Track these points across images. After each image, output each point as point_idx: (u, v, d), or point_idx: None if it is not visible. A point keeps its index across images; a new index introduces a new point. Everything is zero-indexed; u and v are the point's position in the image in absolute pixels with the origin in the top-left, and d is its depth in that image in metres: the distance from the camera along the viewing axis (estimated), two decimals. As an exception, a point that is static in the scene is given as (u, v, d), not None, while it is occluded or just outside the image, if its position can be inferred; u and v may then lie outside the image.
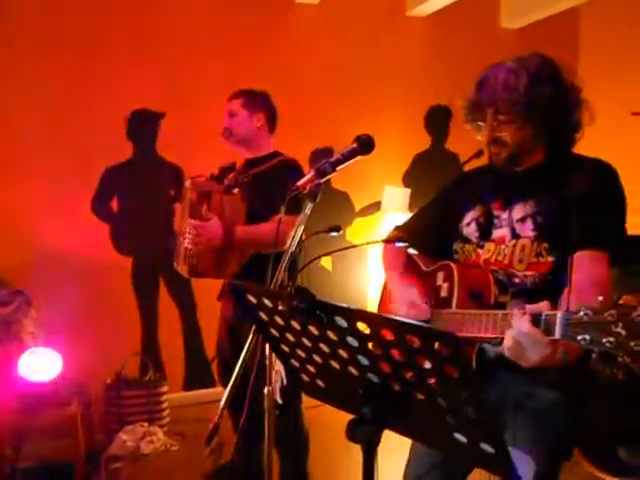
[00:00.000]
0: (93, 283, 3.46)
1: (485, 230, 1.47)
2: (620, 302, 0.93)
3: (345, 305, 0.90)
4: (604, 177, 1.36)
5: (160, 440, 3.13)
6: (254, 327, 1.29)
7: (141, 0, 3.60)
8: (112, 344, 3.38)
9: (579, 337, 0.99)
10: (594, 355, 0.97)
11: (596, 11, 4.51)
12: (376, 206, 4.20)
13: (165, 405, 3.40)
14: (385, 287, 1.68)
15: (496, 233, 1.45)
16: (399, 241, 1.60)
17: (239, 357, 1.37)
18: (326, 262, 4.11)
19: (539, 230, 1.36)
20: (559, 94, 1.36)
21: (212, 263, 2.28)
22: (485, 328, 1.23)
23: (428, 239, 1.63)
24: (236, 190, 2.30)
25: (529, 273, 1.36)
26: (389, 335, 0.86)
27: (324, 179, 1.37)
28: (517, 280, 1.38)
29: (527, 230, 1.38)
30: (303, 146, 3.84)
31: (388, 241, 1.64)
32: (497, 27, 4.48)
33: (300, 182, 1.38)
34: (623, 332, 0.92)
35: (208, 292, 2.48)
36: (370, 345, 0.91)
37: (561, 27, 4.61)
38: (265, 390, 1.45)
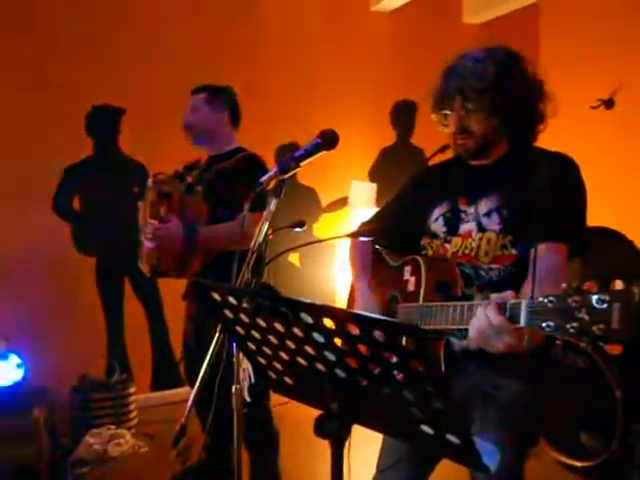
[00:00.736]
0: (56, 284, 3.38)
1: (452, 225, 1.49)
2: (583, 288, 0.94)
3: (309, 301, 0.89)
4: (566, 170, 1.38)
5: (128, 442, 3.08)
6: (220, 325, 1.28)
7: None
8: (77, 346, 3.31)
9: (544, 324, 1.01)
10: (557, 343, 0.99)
11: (556, 7, 4.61)
12: (343, 201, 4.21)
13: (132, 407, 3.34)
14: (352, 285, 1.69)
15: (463, 227, 1.46)
16: (364, 235, 1.60)
17: (205, 356, 1.35)
18: (294, 258, 4.10)
19: (504, 223, 1.38)
20: (524, 85, 1.39)
21: (173, 263, 2.24)
22: (452, 320, 1.24)
23: (395, 235, 1.64)
24: (198, 188, 2.26)
25: (494, 266, 1.39)
26: (355, 330, 0.86)
27: (288, 175, 1.36)
28: (483, 273, 1.40)
29: (493, 224, 1.40)
30: (268, 142, 3.82)
31: (353, 235, 1.64)
32: (459, 22, 4.53)
33: (263, 178, 1.36)
34: (586, 317, 0.93)
35: (175, 291, 2.45)
36: (336, 341, 0.91)
37: (522, 22, 4.70)
38: (233, 389, 1.44)
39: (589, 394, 2.51)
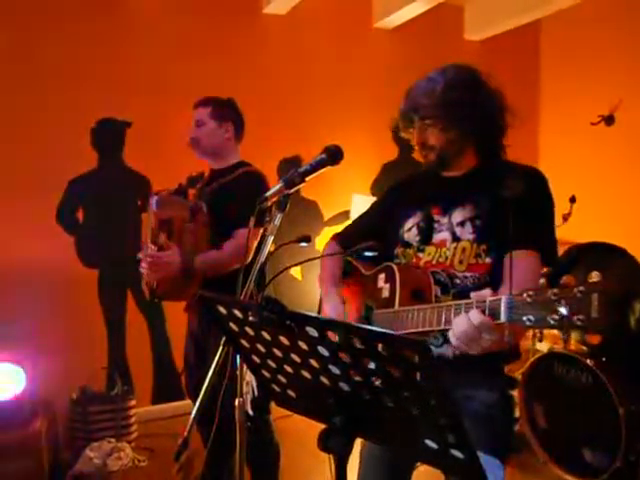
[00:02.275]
0: (58, 296, 3.38)
1: (426, 234, 1.52)
2: (561, 282, 0.96)
3: (315, 315, 0.90)
4: (536, 182, 1.43)
5: (128, 456, 3.06)
6: (224, 338, 1.28)
7: (108, 9, 3.55)
8: (78, 358, 3.31)
9: (524, 318, 1.02)
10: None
11: (556, 24, 4.66)
12: (344, 215, 4.22)
13: (133, 420, 3.33)
14: (320, 301, 1.70)
15: (437, 237, 1.49)
16: (368, 250, 1.60)
17: (205, 369, 1.35)
18: (295, 271, 4.11)
19: (478, 232, 1.42)
20: (477, 99, 1.44)
21: (172, 289, 2.24)
22: (429, 321, 1.25)
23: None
24: (200, 215, 2.24)
25: (469, 274, 1.42)
26: (359, 344, 0.87)
27: (293, 190, 1.38)
28: (458, 281, 1.43)
29: (467, 233, 1.44)
30: (271, 156, 3.85)
31: (357, 252, 1.64)
32: (461, 39, 4.58)
33: (269, 193, 1.38)
34: (566, 308, 0.95)
35: (177, 304, 2.45)
36: (341, 354, 0.91)
37: (523, 39, 4.75)
38: (236, 402, 1.44)
39: (592, 411, 2.49)
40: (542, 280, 1.00)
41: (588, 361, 2.49)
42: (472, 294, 1.17)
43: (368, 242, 1.60)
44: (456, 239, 1.45)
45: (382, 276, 1.49)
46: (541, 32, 4.89)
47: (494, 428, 1.40)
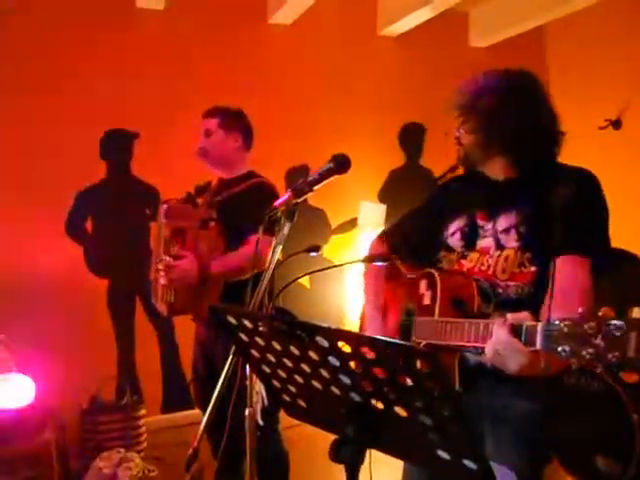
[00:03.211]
0: (67, 306, 3.39)
1: (469, 240, 1.49)
2: (599, 314, 0.94)
3: (326, 325, 0.90)
4: (587, 185, 1.38)
5: (138, 466, 3.05)
6: (234, 348, 1.28)
7: (113, 19, 3.59)
8: (87, 368, 3.31)
9: (560, 348, 1.00)
10: (573, 368, 0.98)
11: (562, 29, 4.66)
12: (352, 223, 4.22)
13: (143, 429, 3.33)
14: (363, 310, 1.69)
15: (480, 243, 1.47)
16: (380, 260, 1.60)
17: (213, 378, 1.35)
18: (304, 280, 4.10)
19: (522, 240, 1.38)
20: (509, 109, 1.40)
21: (190, 299, 2.22)
22: (467, 337, 1.24)
23: (411, 249, 1.64)
24: (212, 223, 2.24)
25: (512, 283, 1.38)
26: (370, 354, 0.87)
27: (301, 199, 1.38)
28: (500, 290, 1.39)
29: (511, 241, 1.40)
30: (278, 165, 3.86)
31: (368, 260, 1.64)
32: (466, 46, 4.58)
33: (277, 202, 1.38)
34: (602, 344, 0.93)
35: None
36: (352, 364, 0.91)
37: (528, 45, 4.74)
38: (246, 412, 1.44)
39: (605, 418, 2.47)
40: (580, 309, 0.97)
41: (599, 368, 2.46)
42: (508, 315, 1.15)
43: (384, 253, 1.59)
44: (500, 247, 1.42)
45: (424, 282, 1.47)
46: (547, 38, 4.89)
47: (531, 438, 1.37)
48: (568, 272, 1.25)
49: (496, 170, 1.48)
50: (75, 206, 3.54)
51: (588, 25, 4.38)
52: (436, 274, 1.42)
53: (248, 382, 1.40)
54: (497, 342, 1.12)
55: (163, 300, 2.27)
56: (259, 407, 1.52)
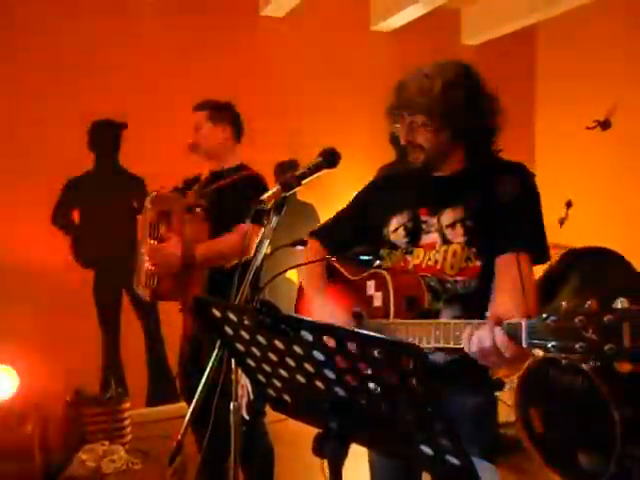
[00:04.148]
0: (52, 297, 3.36)
1: (413, 236, 1.47)
2: (586, 307, 0.94)
3: (310, 319, 0.89)
4: (526, 180, 1.40)
5: (122, 459, 3.04)
6: (219, 342, 1.27)
7: (103, 9, 3.55)
8: (71, 360, 3.29)
9: (549, 344, 0.99)
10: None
11: (553, 29, 4.68)
12: (341, 218, 4.21)
13: (127, 422, 3.31)
14: (301, 296, 1.64)
15: (425, 239, 1.45)
16: (361, 255, 1.56)
17: (199, 371, 1.34)
18: (291, 274, 4.09)
19: (469, 235, 1.39)
20: (473, 99, 1.39)
21: (174, 285, 2.21)
22: (435, 339, 1.21)
23: (349, 244, 1.60)
24: (198, 209, 2.24)
25: (459, 278, 1.39)
26: (354, 348, 0.86)
27: (289, 193, 1.37)
28: (449, 286, 1.40)
29: (458, 235, 1.40)
30: (267, 159, 3.84)
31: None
32: (458, 43, 4.59)
33: (265, 196, 1.37)
34: (594, 337, 0.92)
35: (172, 305, 2.44)
36: (336, 358, 0.91)
37: (519, 44, 4.76)
38: (231, 405, 1.43)
39: (588, 415, 2.49)
40: (564, 303, 0.97)
41: (584, 366, 2.49)
42: (487, 314, 1.15)
43: (361, 246, 1.55)
44: (446, 242, 1.42)
45: (371, 283, 1.43)
46: (537, 37, 4.91)
47: (480, 431, 1.39)
48: (514, 270, 1.26)
49: (449, 166, 1.46)
50: (62, 196, 3.51)
51: (578, 26, 4.40)
52: (385, 274, 1.39)
53: (233, 376, 1.39)
54: (486, 342, 1.10)
55: (146, 285, 2.26)
56: (244, 401, 1.52)
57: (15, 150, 3.34)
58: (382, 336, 0.85)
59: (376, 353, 0.83)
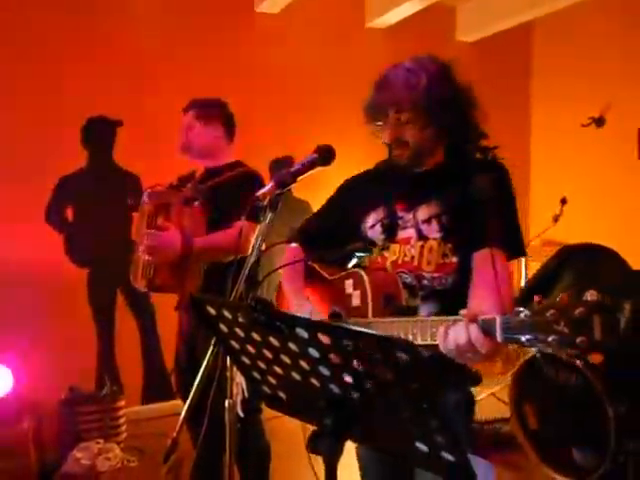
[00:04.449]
0: (47, 295, 3.35)
1: (390, 231, 1.48)
2: (558, 300, 0.95)
3: (306, 316, 0.89)
4: (502, 178, 1.41)
5: (117, 456, 3.04)
6: (214, 339, 1.27)
7: (98, 7, 3.53)
8: (66, 358, 3.28)
9: (523, 338, 1.00)
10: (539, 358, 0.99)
11: (549, 26, 4.68)
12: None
13: (122, 420, 3.31)
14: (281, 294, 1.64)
15: (401, 234, 1.46)
16: (357, 251, 1.56)
17: (195, 369, 1.34)
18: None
19: (444, 231, 1.39)
20: (455, 93, 1.40)
21: (170, 276, 2.20)
22: (412, 336, 1.21)
23: (328, 243, 1.60)
24: (196, 203, 2.23)
25: (436, 274, 1.39)
26: (350, 346, 0.86)
27: (284, 189, 1.37)
28: (426, 282, 1.40)
29: (433, 231, 1.41)
30: (262, 156, 3.83)
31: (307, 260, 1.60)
32: (453, 40, 4.59)
33: (260, 192, 1.36)
34: (566, 330, 0.93)
35: (167, 303, 2.43)
36: (331, 356, 0.91)
37: (515, 41, 4.77)
38: (226, 403, 1.43)
39: (582, 411, 2.50)
40: (537, 298, 0.98)
41: (577, 362, 2.49)
42: (461, 311, 1.14)
43: (357, 243, 1.56)
44: (422, 237, 1.42)
45: (349, 282, 1.43)
46: (533, 34, 4.91)
47: (456, 426, 1.39)
48: (490, 267, 1.26)
49: (430, 162, 1.46)
50: (56, 194, 3.49)
51: (573, 23, 4.41)
52: (362, 273, 1.40)
53: (228, 373, 1.39)
54: (461, 339, 1.10)
55: (142, 276, 2.24)
56: (239, 398, 1.52)
57: (8, 147, 3.32)
58: (377, 333, 0.85)
59: (371, 350, 0.83)
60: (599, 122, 4.40)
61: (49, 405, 3.18)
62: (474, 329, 1.09)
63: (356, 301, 1.40)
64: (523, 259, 3.68)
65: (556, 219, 3.55)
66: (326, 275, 1.55)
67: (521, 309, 1.00)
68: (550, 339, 0.95)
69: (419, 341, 1.20)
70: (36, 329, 3.22)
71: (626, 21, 4.17)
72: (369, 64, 4.51)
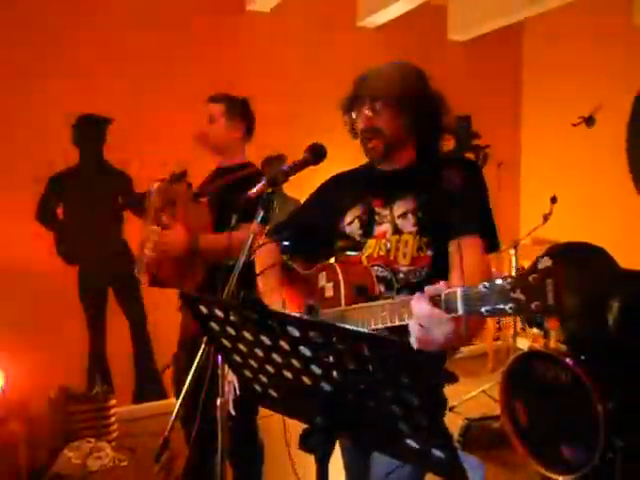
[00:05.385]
0: (37, 293, 3.33)
1: (368, 227, 1.51)
2: (517, 271, 0.98)
3: (297, 315, 0.90)
4: (473, 171, 1.47)
5: (108, 456, 3.03)
6: (206, 338, 1.27)
7: (91, 7, 3.50)
8: (57, 357, 3.26)
9: (483, 309, 1.03)
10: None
11: (539, 26, 4.71)
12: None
13: (113, 419, 3.29)
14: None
15: (378, 229, 1.49)
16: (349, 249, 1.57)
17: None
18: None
19: (419, 225, 1.43)
20: (428, 94, 1.47)
21: (174, 272, 2.19)
22: (382, 319, 1.25)
23: (306, 240, 1.63)
24: (203, 199, 2.21)
25: (412, 268, 1.42)
26: (341, 344, 0.87)
27: (275, 187, 1.37)
28: (402, 275, 1.43)
29: (409, 225, 1.45)
30: (254, 154, 3.81)
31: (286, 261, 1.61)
32: (444, 39, 4.60)
33: (252, 191, 1.37)
34: (522, 297, 0.97)
35: (158, 301, 2.43)
36: (322, 354, 0.91)
37: (506, 41, 4.79)
38: (218, 401, 1.43)
39: (571, 408, 2.53)
40: (494, 269, 1.03)
41: (567, 359, 2.52)
42: (426, 288, 1.17)
43: (346, 241, 1.58)
44: (397, 231, 1.46)
45: (323, 274, 1.47)
46: (524, 33, 4.94)
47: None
48: (468, 254, 1.31)
49: (402, 159, 1.51)
50: (46, 192, 3.47)
51: (564, 23, 4.43)
52: (336, 264, 1.44)
53: (220, 372, 1.39)
54: (419, 315, 1.13)
55: (147, 271, 2.23)
56: (231, 397, 1.52)
57: (-2, 145, 3.29)
58: (368, 331, 0.85)
59: (361, 347, 0.84)
60: (589, 122, 4.43)
61: (40, 404, 3.17)
62: (423, 305, 1.12)
63: (329, 292, 1.43)
64: (513, 258, 3.70)
65: (546, 218, 3.57)
66: (300, 270, 1.59)
67: (482, 281, 1.04)
68: (507, 307, 0.99)
69: (389, 324, 1.23)
70: (26, 328, 3.20)
71: (616, 20, 4.20)
72: (360, 63, 4.50)
